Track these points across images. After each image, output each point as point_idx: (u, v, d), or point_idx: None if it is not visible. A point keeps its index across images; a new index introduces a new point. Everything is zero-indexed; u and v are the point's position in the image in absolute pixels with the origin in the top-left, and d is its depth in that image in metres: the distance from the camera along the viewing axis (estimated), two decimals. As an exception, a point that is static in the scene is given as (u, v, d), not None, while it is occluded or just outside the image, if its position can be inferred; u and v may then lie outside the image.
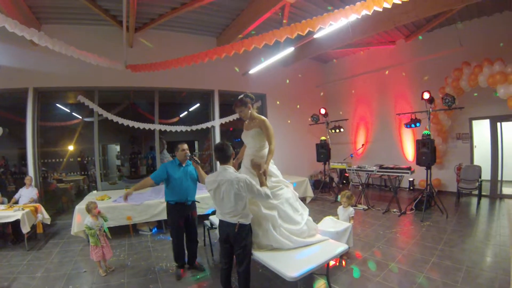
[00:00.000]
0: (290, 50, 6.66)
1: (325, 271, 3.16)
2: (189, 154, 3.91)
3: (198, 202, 4.21)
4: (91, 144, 7.31)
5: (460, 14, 6.88)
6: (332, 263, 3.87)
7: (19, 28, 3.69)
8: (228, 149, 2.93)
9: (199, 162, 3.84)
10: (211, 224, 4.44)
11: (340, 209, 4.49)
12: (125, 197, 3.77)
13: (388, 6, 3.60)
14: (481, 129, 7.60)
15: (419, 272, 3.62)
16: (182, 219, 3.89)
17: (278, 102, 9.42)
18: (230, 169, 2.89)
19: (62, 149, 8.42)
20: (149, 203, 5.47)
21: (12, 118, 7.35)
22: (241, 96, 3.48)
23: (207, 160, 9.61)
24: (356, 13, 3.70)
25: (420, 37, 7.92)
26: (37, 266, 4.27)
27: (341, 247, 3.09)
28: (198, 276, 3.88)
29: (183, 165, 3.94)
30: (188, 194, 3.91)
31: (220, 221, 2.97)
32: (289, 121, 9.65)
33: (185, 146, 3.94)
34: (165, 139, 8.52)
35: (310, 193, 7.62)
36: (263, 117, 3.47)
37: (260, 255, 2.99)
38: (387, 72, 8.69)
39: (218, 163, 3.07)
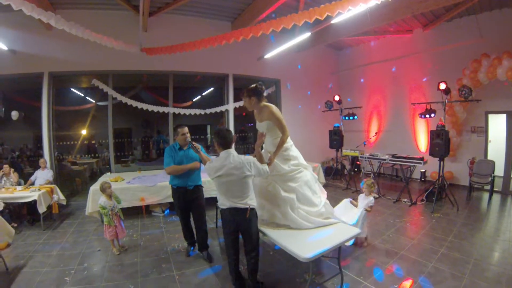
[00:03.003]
0: (306, 35, 6.57)
1: (335, 255, 3.19)
2: (189, 139, 3.77)
3: (203, 186, 4.00)
4: (104, 128, 7.42)
5: (481, 5, 6.64)
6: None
7: (36, 12, 3.72)
8: (230, 134, 2.92)
9: (198, 147, 3.62)
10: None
11: (361, 196, 4.51)
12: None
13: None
14: (497, 123, 7.37)
15: (427, 261, 3.63)
16: (183, 203, 3.82)
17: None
18: (234, 152, 2.86)
19: (76, 132, 8.56)
20: (162, 184, 5.54)
21: (27, 102, 7.49)
22: (253, 86, 3.25)
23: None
24: (376, -2, 3.63)
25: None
26: (52, 245, 4.42)
27: (354, 231, 3.11)
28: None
29: (184, 148, 3.83)
30: (189, 178, 3.75)
31: (228, 210, 2.84)
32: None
33: (186, 129, 3.77)
34: (177, 122, 8.48)
35: (322, 179, 7.64)
36: (269, 105, 3.28)
37: (274, 236, 3.03)
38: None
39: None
